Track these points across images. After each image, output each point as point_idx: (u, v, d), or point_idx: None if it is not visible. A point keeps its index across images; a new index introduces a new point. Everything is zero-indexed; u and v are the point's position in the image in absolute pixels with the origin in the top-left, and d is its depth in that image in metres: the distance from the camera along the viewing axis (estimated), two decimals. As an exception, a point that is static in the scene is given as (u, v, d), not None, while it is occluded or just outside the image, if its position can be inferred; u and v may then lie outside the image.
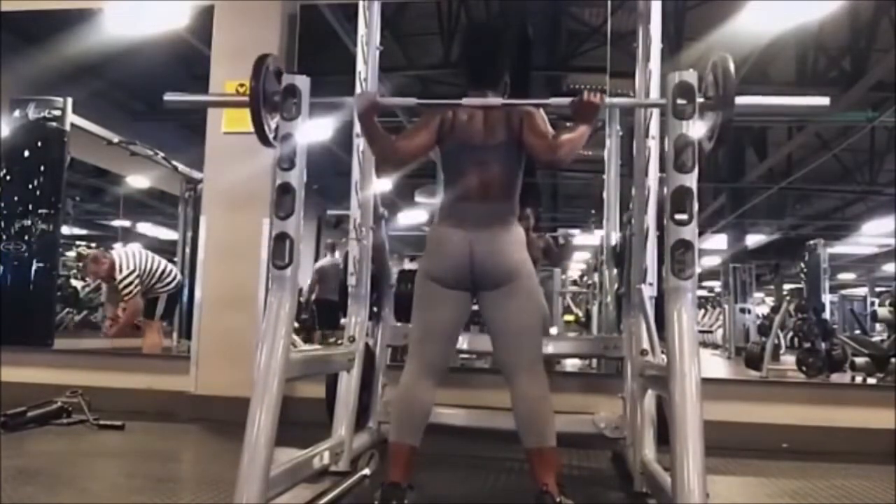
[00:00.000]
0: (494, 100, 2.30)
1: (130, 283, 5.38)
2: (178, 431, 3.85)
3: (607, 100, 2.25)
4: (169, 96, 2.47)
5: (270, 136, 2.29)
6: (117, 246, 5.86)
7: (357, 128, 3.13)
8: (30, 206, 5.55)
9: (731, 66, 2.07)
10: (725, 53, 2.10)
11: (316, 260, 9.07)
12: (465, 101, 2.31)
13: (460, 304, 2.31)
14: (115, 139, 6.50)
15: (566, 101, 2.26)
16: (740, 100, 2.08)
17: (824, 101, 2.27)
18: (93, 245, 11.82)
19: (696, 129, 2.09)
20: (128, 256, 5.51)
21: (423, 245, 2.41)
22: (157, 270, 5.58)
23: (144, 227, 12.87)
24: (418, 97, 2.46)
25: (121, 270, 5.38)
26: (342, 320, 3.23)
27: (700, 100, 2.10)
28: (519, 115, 2.27)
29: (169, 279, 5.64)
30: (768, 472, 3.21)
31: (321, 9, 5.25)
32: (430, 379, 2.28)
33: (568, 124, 2.27)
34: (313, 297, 8.07)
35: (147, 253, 5.71)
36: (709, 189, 11.32)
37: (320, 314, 7.80)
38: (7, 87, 5.72)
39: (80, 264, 5.67)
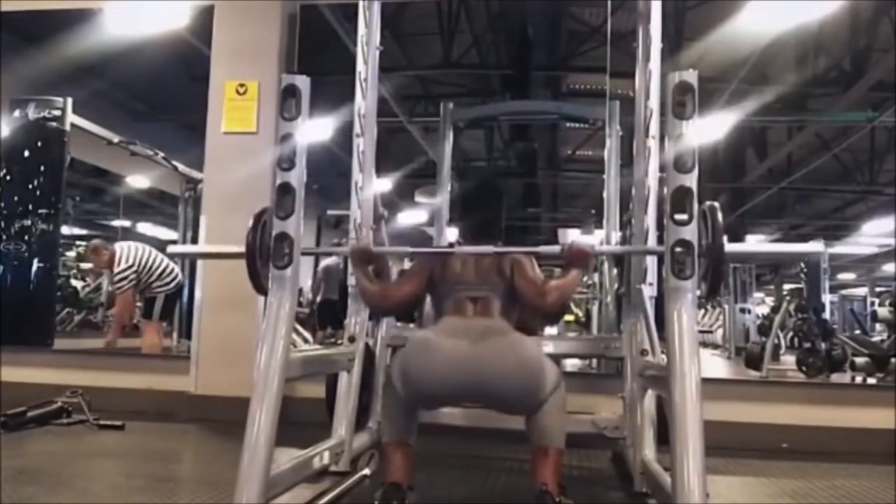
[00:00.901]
0: (485, 247, 2.35)
1: (125, 277, 5.37)
2: (178, 431, 3.85)
3: (597, 248, 2.31)
4: (172, 249, 2.53)
5: (266, 286, 2.26)
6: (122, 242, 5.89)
7: (357, 128, 3.13)
8: (30, 206, 5.55)
9: (719, 215, 2.07)
10: (714, 203, 2.10)
11: (316, 260, 9.07)
12: (457, 249, 2.41)
13: (442, 405, 2.34)
14: (115, 139, 6.50)
15: (556, 248, 2.31)
16: (730, 247, 2.09)
17: (818, 247, 2.27)
18: (94, 244, 11.83)
19: (696, 128, 2.09)
20: (129, 250, 5.50)
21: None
22: (156, 268, 5.55)
23: (144, 227, 12.87)
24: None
25: (118, 263, 5.37)
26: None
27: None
28: (509, 262, 2.33)
29: (168, 279, 5.62)
30: (768, 472, 3.21)
31: (321, 9, 5.25)
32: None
33: (557, 272, 2.33)
34: (318, 297, 8.06)
35: (150, 250, 5.68)
36: (709, 189, 11.32)
37: (326, 314, 7.78)
38: (7, 87, 5.73)
39: (82, 252, 5.66)
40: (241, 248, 2.33)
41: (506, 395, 2.11)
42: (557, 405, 2.19)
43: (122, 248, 5.59)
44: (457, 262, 2.37)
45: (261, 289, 2.32)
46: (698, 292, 2.11)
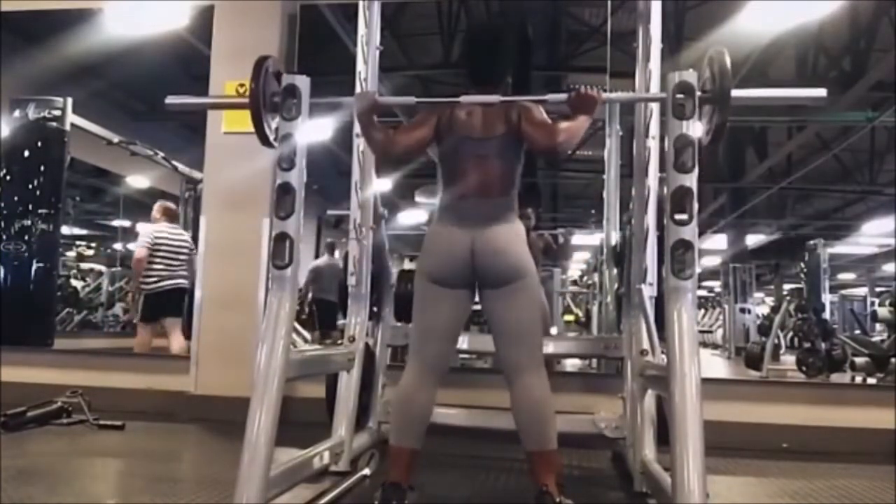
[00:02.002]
0: (492, 97, 2.30)
1: (145, 239, 5.32)
2: (178, 431, 3.85)
3: (605, 95, 2.27)
4: (171, 99, 2.47)
5: (271, 137, 2.29)
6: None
7: (357, 128, 3.12)
8: (30, 206, 5.56)
9: (728, 61, 2.07)
10: (722, 48, 2.09)
11: (316, 258, 9.08)
12: (463, 98, 2.31)
13: (461, 303, 2.30)
14: (115, 139, 6.50)
15: (563, 96, 2.27)
16: (736, 93, 2.09)
17: (821, 92, 2.26)
18: (93, 245, 11.86)
19: (696, 127, 2.09)
20: (160, 231, 5.42)
21: (422, 246, 2.41)
22: (160, 262, 5.48)
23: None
24: (418, 97, 2.47)
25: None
26: (340, 321, 3.23)
27: (698, 93, 2.09)
28: (517, 110, 2.28)
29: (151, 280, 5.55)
30: (768, 472, 3.21)
31: (321, 9, 5.25)
32: (430, 380, 2.27)
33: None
34: (309, 296, 8.06)
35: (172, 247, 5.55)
36: (709, 189, 11.33)
37: (317, 313, 7.80)
38: (7, 87, 5.73)
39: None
40: (245, 100, 2.28)
41: (494, 276, 2.24)
42: (541, 397, 2.20)
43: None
44: (462, 112, 2.30)
45: (266, 140, 2.29)
46: (705, 141, 2.13)
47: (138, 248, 5.37)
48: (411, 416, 2.25)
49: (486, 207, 2.26)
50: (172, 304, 5.36)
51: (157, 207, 5.59)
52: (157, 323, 5.39)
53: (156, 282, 5.30)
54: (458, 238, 2.24)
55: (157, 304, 5.32)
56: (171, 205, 5.74)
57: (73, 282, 9.84)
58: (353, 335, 3.05)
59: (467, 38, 2.60)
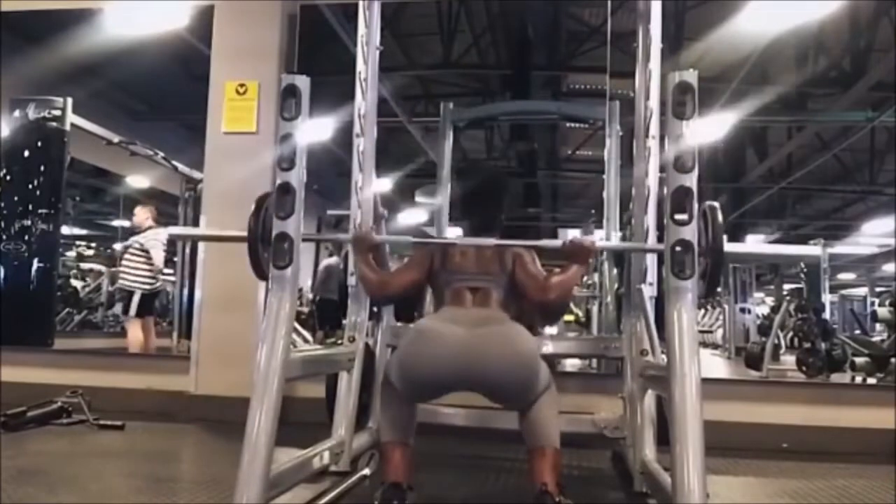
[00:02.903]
0: (487, 239, 2.34)
1: (157, 242, 5.86)
2: (178, 431, 3.85)
3: (598, 244, 2.30)
4: (173, 231, 2.52)
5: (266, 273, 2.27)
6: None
7: (357, 128, 3.13)
8: (30, 206, 5.56)
9: (720, 215, 2.09)
10: (714, 203, 2.12)
11: (316, 260, 9.07)
12: (458, 239, 2.40)
13: (438, 395, 2.30)
14: (115, 139, 6.50)
15: (558, 243, 2.31)
16: (729, 247, 2.11)
17: (815, 251, 2.29)
18: (92, 245, 11.85)
19: (696, 128, 2.09)
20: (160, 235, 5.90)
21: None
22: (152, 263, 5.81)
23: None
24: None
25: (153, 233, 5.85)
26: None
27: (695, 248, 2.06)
28: (511, 256, 2.32)
29: (151, 280, 5.83)
30: (768, 472, 3.22)
31: (321, 9, 5.25)
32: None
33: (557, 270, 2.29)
34: (309, 296, 8.06)
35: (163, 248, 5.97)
36: (709, 189, 11.32)
37: (325, 313, 7.78)
38: (7, 87, 5.73)
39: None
40: (244, 233, 2.32)
41: (501, 382, 2.09)
42: (550, 403, 2.20)
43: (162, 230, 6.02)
44: (457, 254, 2.36)
45: (262, 274, 2.32)
46: (701, 289, 2.11)
47: (162, 253, 5.90)
48: (398, 414, 2.26)
49: (482, 315, 2.22)
50: (154, 303, 6.14)
51: (151, 211, 5.89)
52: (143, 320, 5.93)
53: (154, 282, 5.91)
54: (448, 333, 2.09)
55: (149, 303, 5.95)
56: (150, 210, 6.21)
57: (74, 282, 9.84)
58: (353, 335, 3.05)
59: (463, 187, 2.62)
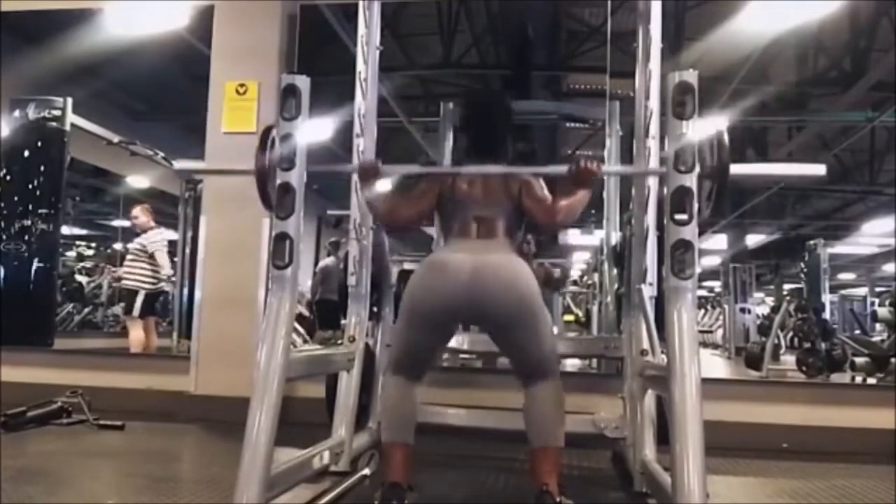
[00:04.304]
0: (493, 167, 2.33)
1: (159, 244, 5.92)
2: (178, 431, 3.85)
3: (604, 168, 2.28)
4: (179, 165, 2.49)
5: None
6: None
7: (357, 128, 3.13)
8: (30, 206, 5.56)
9: (727, 139, 2.09)
10: (722, 127, 2.11)
11: (316, 260, 9.06)
12: (464, 169, 2.36)
13: (447, 330, 2.30)
14: (115, 139, 6.51)
15: (563, 168, 2.29)
16: (735, 169, 2.11)
17: (820, 169, 2.29)
18: (93, 245, 11.86)
19: (695, 128, 2.09)
20: (165, 237, 6.01)
21: (422, 245, 2.41)
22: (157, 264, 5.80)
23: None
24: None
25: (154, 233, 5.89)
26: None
27: (697, 170, 2.09)
28: (518, 183, 2.31)
29: (153, 280, 5.83)
30: (768, 472, 3.22)
31: (321, 9, 5.25)
32: (411, 384, 2.29)
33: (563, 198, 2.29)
34: (307, 297, 8.04)
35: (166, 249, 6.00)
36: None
37: (324, 314, 7.78)
38: (7, 87, 5.73)
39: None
40: (251, 167, 2.28)
41: (498, 311, 2.14)
42: (554, 398, 2.21)
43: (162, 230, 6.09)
44: (464, 182, 2.34)
45: (270, 205, 2.27)
46: (705, 211, 2.12)
47: (166, 256, 5.92)
48: (398, 414, 2.27)
49: (486, 245, 2.24)
50: (155, 303, 6.14)
51: (149, 211, 5.90)
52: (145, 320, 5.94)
53: (157, 282, 5.89)
54: (457, 262, 2.18)
55: (152, 303, 5.95)
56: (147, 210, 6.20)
57: (79, 277, 9.87)
58: (353, 335, 3.05)
59: (466, 112, 2.61)
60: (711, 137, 2.12)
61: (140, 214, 5.99)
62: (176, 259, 7.19)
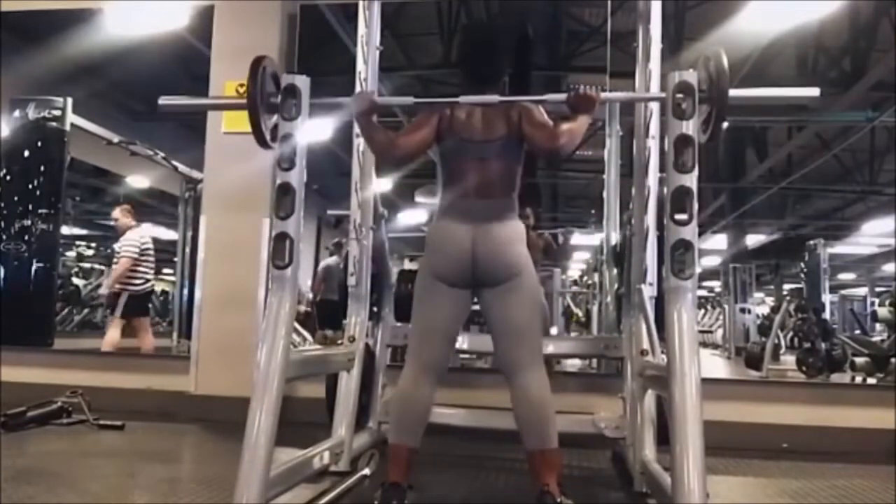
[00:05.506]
0: (492, 97, 2.30)
1: (129, 247, 5.65)
2: (178, 431, 3.85)
3: (603, 94, 2.27)
4: (164, 100, 2.47)
5: (268, 137, 2.29)
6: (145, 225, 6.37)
7: (357, 128, 3.13)
8: (30, 206, 5.56)
9: (724, 61, 2.06)
10: (718, 48, 2.09)
11: (316, 260, 9.07)
12: (462, 98, 2.31)
13: (461, 302, 2.30)
14: (115, 139, 6.50)
15: (562, 96, 2.28)
16: (733, 92, 2.09)
17: (814, 91, 2.27)
18: (93, 245, 11.86)
19: (696, 128, 2.09)
20: (143, 236, 5.79)
21: (423, 245, 2.40)
22: (141, 265, 5.67)
23: (144, 227, 12.86)
24: (417, 97, 2.47)
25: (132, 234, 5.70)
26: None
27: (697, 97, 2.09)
28: (517, 111, 2.28)
29: (137, 282, 5.70)
30: (768, 472, 3.21)
31: (321, 9, 5.25)
32: (429, 379, 2.27)
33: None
34: (308, 297, 8.04)
35: (151, 249, 5.85)
36: (709, 189, 11.33)
37: (325, 314, 7.77)
38: (7, 87, 5.73)
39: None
40: (243, 100, 2.26)
41: (487, 276, 2.24)
42: (541, 394, 2.20)
43: (143, 228, 5.97)
44: (463, 113, 2.30)
45: (263, 141, 2.28)
46: (702, 139, 2.12)
47: (128, 254, 5.66)
48: (410, 415, 2.26)
49: (486, 207, 2.27)
50: (147, 304, 6.00)
51: (129, 211, 5.87)
52: (129, 321, 5.76)
53: (142, 283, 5.73)
54: (459, 234, 2.25)
55: (141, 304, 5.79)
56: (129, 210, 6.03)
57: (76, 280, 9.86)
58: (353, 335, 3.05)
59: (464, 38, 2.61)
60: (708, 59, 2.10)
61: (120, 216, 5.83)
62: (175, 259, 7.20)
